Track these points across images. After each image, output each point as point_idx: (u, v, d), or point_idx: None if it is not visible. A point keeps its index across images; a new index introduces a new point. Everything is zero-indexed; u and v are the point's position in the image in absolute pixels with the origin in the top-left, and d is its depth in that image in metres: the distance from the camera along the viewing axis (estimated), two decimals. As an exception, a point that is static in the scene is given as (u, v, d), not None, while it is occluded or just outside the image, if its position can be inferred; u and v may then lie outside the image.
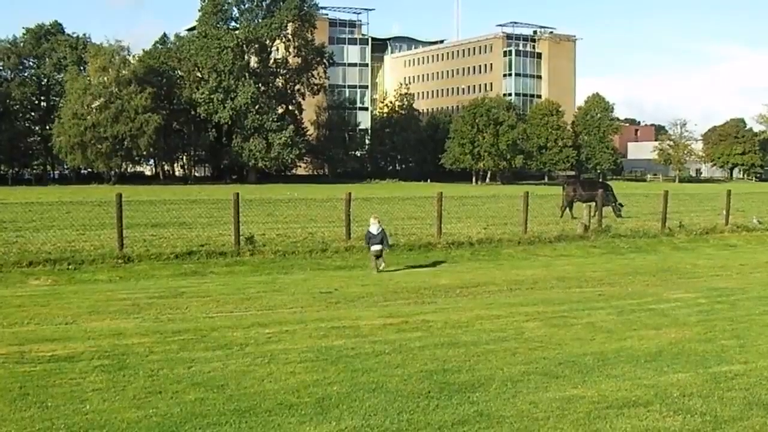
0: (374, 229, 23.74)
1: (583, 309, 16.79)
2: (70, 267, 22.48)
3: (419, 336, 13.84)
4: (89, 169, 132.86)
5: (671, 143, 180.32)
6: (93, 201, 40.37)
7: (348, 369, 11.50)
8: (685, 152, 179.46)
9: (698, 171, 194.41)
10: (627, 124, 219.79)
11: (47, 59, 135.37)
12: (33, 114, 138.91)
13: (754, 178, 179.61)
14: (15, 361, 11.90)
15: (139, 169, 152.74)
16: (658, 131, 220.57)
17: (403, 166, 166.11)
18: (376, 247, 23.60)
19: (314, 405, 9.75)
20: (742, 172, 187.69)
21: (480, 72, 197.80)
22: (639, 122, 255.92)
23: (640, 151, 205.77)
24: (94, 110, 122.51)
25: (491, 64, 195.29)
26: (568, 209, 42.47)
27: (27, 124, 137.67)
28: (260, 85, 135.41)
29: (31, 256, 23.08)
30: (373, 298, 18.58)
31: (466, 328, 14.54)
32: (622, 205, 42.36)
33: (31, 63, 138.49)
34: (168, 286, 20.27)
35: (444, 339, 13.56)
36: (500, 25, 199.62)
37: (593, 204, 34.97)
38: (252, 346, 12.96)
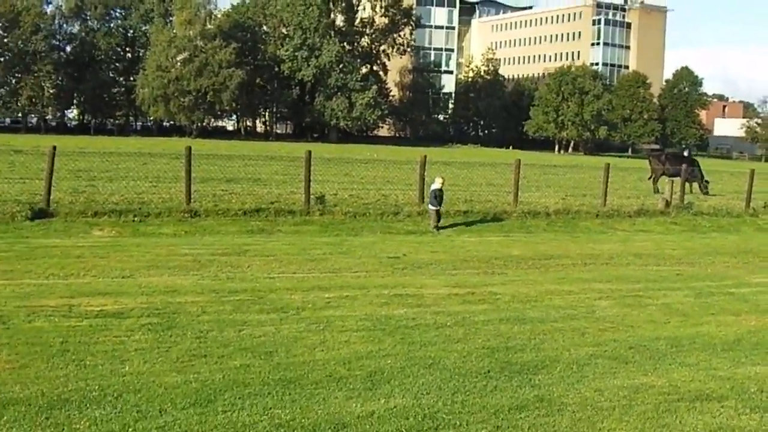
0: (435, 186, 23.84)
1: (659, 289, 16.03)
2: (135, 219, 22.06)
3: (484, 309, 13.24)
4: (171, 122, 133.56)
5: (759, 121, 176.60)
6: (171, 153, 39.99)
7: (405, 341, 10.94)
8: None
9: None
10: (715, 100, 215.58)
11: (134, 10, 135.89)
12: (118, 65, 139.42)
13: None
14: (62, 315, 11.54)
15: (221, 123, 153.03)
16: (747, 108, 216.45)
17: (486, 131, 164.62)
18: (434, 208, 23.90)
19: (364, 379, 9.21)
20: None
21: (568, 40, 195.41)
22: (727, 98, 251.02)
23: (727, 127, 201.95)
24: (178, 63, 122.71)
25: (580, 32, 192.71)
26: (654, 184, 41.49)
27: (112, 75, 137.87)
28: (345, 44, 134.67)
29: (97, 207, 22.68)
30: (441, 265, 17.92)
31: (534, 303, 13.91)
32: (708, 182, 41.15)
33: (118, 14, 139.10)
34: (232, 242, 19.81)
35: (510, 314, 12.95)
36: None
37: (677, 179, 33.90)
38: (309, 311, 12.47)
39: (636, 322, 12.84)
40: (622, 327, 12.46)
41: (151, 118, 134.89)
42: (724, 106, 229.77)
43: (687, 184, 34.62)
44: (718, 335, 12.28)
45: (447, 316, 12.48)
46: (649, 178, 43.01)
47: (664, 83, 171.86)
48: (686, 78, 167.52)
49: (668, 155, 49.33)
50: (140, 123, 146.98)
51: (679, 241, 24.91)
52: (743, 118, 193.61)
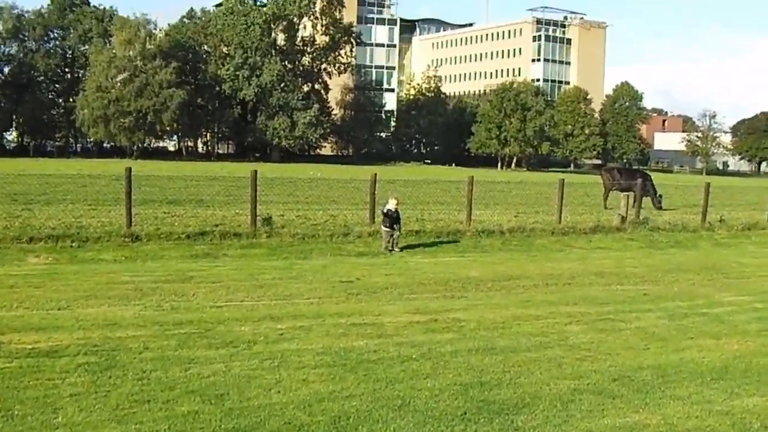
0: (390, 207, 23.00)
1: (629, 311, 15.20)
2: (73, 244, 20.88)
3: (450, 338, 12.30)
4: (112, 143, 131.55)
5: (699, 135, 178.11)
6: (111, 175, 38.96)
7: (369, 378, 9.96)
8: (713, 144, 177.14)
9: (725, 164, 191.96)
10: (655, 114, 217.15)
11: (73, 31, 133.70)
12: (57, 86, 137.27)
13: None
14: (-11, 355, 10.42)
15: (162, 144, 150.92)
16: (686, 122, 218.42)
17: (429, 149, 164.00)
18: (386, 229, 22.88)
19: (328, 425, 8.24)
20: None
21: (509, 56, 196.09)
22: (667, 113, 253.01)
23: (667, 141, 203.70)
24: (118, 84, 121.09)
25: (520, 48, 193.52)
26: (605, 199, 40.84)
27: (51, 96, 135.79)
28: (286, 62, 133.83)
29: (33, 232, 21.49)
30: (398, 289, 16.96)
31: (502, 330, 12.99)
32: (662, 196, 40.61)
33: (56, 34, 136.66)
34: (176, 268, 18.70)
35: (478, 343, 12.02)
36: (530, 10, 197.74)
37: (631, 194, 33.23)
38: (261, 344, 11.45)
39: (613, 349, 11.98)
40: (599, 355, 11.58)
41: (92, 139, 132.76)
42: (664, 121, 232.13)
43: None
44: (703, 362, 11.45)
45: (411, 348, 11.53)
46: (604, 195, 42.12)
47: (604, 98, 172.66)
48: (626, 93, 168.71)
49: (620, 169, 48.85)
50: (80, 145, 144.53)
51: (639, 258, 24.19)
52: (683, 131, 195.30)
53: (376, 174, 27.11)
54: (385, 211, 23.10)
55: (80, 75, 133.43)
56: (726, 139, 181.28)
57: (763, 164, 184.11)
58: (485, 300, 16.03)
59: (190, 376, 9.82)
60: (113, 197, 29.41)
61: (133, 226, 22.81)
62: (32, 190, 34.81)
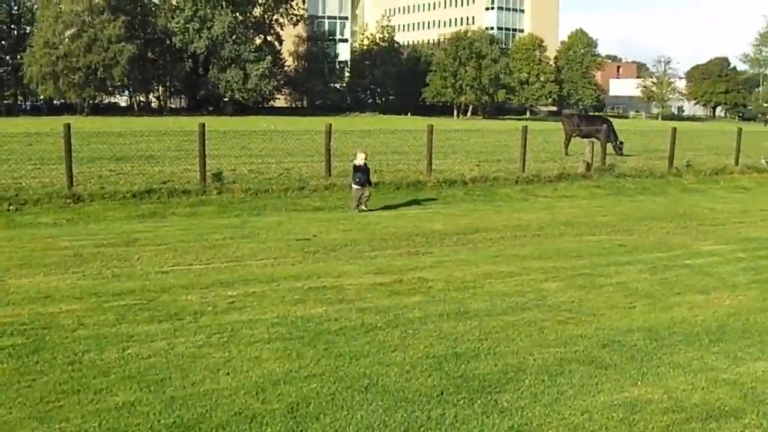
0: (359, 162, 21.11)
1: (607, 264, 14.14)
2: (10, 208, 19.60)
3: (418, 301, 11.18)
4: (62, 101, 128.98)
5: (654, 80, 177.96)
6: (60, 133, 37.47)
7: (331, 353, 8.81)
8: (668, 90, 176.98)
9: (680, 109, 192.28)
10: (609, 61, 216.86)
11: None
12: (3, 43, 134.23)
13: (736, 118, 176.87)
14: None
15: (113, 100, 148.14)
16: (640, 69, 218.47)
17: (384, 99, 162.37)
18: (357, 187, 21.07)
19: (285, 415, 7.09)
20: (724, 111, 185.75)
21: (462, 5, 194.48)
22: (621, 60, 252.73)
23: (622, 87, 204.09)
24: (66, 39, 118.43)
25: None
26: (566, 146, 39.87)
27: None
28: (237, 14, 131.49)
29: (-35, 195, 20.22)
30: (358, 246, 15.83)
31: (473, 291, 11.88)
32: (623, 143, 39.61)
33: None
34: (120, 230, 17.44)
35: (449, 306, 10.91)
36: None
37: (595, 140, 32.20)
38: (209, 316, 10.27)
39: (597, 309, 10.93)
40: (583, 317, 10.52)
41: (41, 97, 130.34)
42: (618, 67, 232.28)
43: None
44: (696, 322, 10.42)
45: (376, 314, 10.41)
46: (565, 142, 41.10)
47: (559, 46, 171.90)
48: (581, 40, 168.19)
49: (581, 116, 47.87)
50: (30, 102, 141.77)
51: (608, 206, 23.20)
52: (637, 78, 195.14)
53: (330, 125, 25.83)
54: (354, 163, 21.35)
55: (27, 31, 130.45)
56: (681, 84, 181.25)
57: (718, 109, 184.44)
58: (452, 256, 14.91)
59: (128, 357, 8.64)
60: (59, 155, 27.94)
61: (75, 186, 21.54)
62: (-26, 149, 33.36)
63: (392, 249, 15.65)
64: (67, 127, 22.17)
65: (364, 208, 21.06)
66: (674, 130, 31.92)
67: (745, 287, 12.53)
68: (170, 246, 15.49)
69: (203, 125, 23.48)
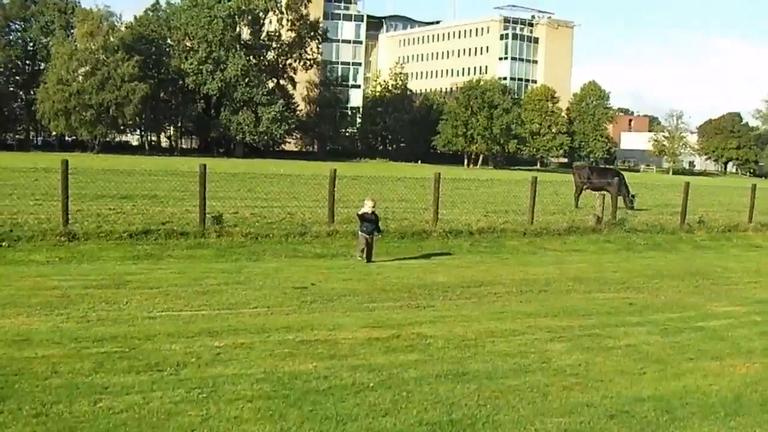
0: (366, 209, 20.36)
1: (615, 324, 13.48)
2: (3, 244, 19.03)
3: (415, 360, 10.52)
4: (74, 137, 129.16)
5: (666, 134, 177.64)
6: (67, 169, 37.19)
7: (316, 416, 8.16)
8: (680, 144, 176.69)
9: (691, 163, 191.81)
10: (621, 114, 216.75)
11: (34, 22, 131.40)
12: (17, 78, 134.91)
13: (747, 174, 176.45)
14: None
15: (124, 138, 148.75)
16: (652, 122, 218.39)
17: (395, 146, 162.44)
18: (364, 235, 20.21)
19: (259, 487, 6.46)
20: (735, 167, 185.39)
21: (476, 54, 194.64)
22: (633, 113, 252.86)
23: (634, 141, 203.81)
24: (79, 76, 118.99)
25: (487, 46, 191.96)
26: (576, 198, 39.30)
27: (11, 88, 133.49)
28: (251, 57, 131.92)
29: (-41, 230, 19.66)
30: (357, 297, 15.24)
31: (474, 350, 11.23)
32: (634, 196, 38.95)
33: (17, 26, 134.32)
34: (113, 271, 16.88)
35: (447, 366, 10.25)
36: (498, 8, 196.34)
37: (606, 193, 31.58)
38: (191, 368, 9.65)
39: (605, 374, 10.27)
40: (589, 382, 9.87)
41: (53, 133, 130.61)
42: (630, 120, 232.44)
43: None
44: (711, 392, 9.76)
45: (369, 373, 9.76)
46: (575, 195, 40.44)
47: (571, 97, 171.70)
48: (593, 92, 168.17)
49: (592, 168, 47.32)
50: (42, 138, 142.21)
51: (617, 262, 22.58)
52: (649, 131, 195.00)
53: (335, 170, 25.21)
54: (361, 213, 20.59)
55: (41, 67, 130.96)
56: (692, 139, 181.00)
57: (729, 164, 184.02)
58: (454, 311, 14.28)
59: (99, 411, 8.02)
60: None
61: (72, 224, 20.96)
62: (-22, 184, 32.89)
63: (392, 301, 15.07)
64: (65, 163, 21.67)
65: (365, 258, 20.19)
66: (687, 185, 31.26)
67: (761, 353, 11.88)
68: (162, 290, 14.94)
69: (204, 166, 22.95)
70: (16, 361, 9.62)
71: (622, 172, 44.37)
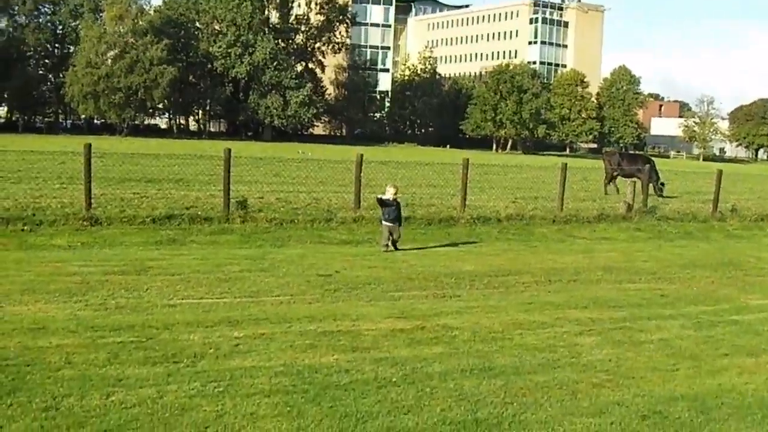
0: (388, 195, 19.60)
1: (647, 317, 13.10)
2: (25, 228, 18.83)
3: (439, 353, 10.19)
4: (102, 120, 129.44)
5: (697, 120, 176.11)
6: (95, 152, 37.10)
7: (335, 413, 7.85)
8: (711, 130, 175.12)
9: (722, 150, 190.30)
10: (651, 99, 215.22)
11: (64, 6, 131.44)
12: (47, 61, 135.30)
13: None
14: None
15: (153, 121, 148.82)
16: (683, 108, 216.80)
17: (423, 130, 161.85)
18: (388, 224, 19.55)
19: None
20: (767, 154, 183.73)
21: (505, 38, 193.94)
22: (663, 98, 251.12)
23: (664, 127, 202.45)
24: (108, 60, 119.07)
25: (517, 30, 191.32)
26: (606, 185, 38.86)
27: (40, 71, 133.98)
28: (280, 41, 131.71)
29: (-18, 213, 19.43)
30: (382, 285, 14.88)
31: (501, 343, 10.89)
32: (663, 184, 38.37)
33: (46, 9, 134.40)
34: (134, 257, 16.60)
35: (473, 360, 9.92)
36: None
37: (637, 180, 31.08)
38: (208, 360, 9.37)
39: (636, 371, 9.91)
40: (620, 379, 9.51)
41: (82, 116, 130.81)
42: (661, 106, 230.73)
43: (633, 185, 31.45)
44: (747, 391, 9.37)
45: (391, 367, 9.44)
46: (605, 182, 39.95)
47: (601, 82, 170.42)
48: (623, 77, 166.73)
49: (622, 154, 46.78)
50: (70, 121, 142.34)
51: (649, 251, 22.10)
52: (679, 117, 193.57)
53: (362, 155, 24.86)
54: (380, 198, 19.84)
55: (70, 51, 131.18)
56: (723, 125, 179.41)
57: (761, 151, 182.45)
58: (481, 301, 13.92)
59: (110, 405, 7.75)
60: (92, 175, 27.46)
61: (94, 209, 20.73)
62: (6, 167, 32.63)
63: (418, 290, 14.70)
64: (88, 147, 21.43)
65: (392, 248, 19.52)
66: (720, 172, 30.73)
67: (798, 350, 11.49)
68: (183, 276, 14.66)
69: (229, 150, 22.66)
70: (30, 351, 9.39)
71: (652, 159, 43.85)
